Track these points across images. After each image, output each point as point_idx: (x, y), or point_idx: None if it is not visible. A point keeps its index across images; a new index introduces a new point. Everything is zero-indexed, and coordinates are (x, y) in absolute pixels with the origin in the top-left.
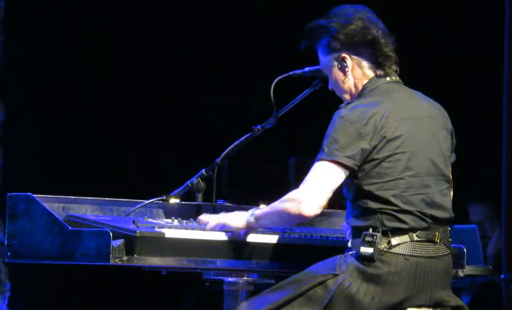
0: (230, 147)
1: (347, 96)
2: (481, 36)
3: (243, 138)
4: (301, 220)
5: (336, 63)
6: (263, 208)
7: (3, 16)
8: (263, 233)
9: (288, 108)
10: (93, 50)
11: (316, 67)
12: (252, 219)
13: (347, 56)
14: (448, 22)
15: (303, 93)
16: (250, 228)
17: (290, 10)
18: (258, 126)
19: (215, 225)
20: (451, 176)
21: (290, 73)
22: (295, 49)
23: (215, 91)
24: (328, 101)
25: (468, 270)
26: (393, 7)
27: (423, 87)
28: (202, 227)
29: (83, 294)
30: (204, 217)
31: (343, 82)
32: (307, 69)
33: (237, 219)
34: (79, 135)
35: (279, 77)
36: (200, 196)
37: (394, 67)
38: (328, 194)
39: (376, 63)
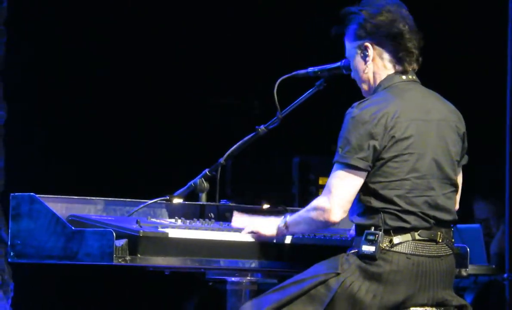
0: (233, 147)
1: (365, 86)
2: (484, 34)
3: (246, 138)
4: (329, 227)
5: (359, 51)
6: (293, 216)
7: (6, 16)
8: None
9: (292, 108)
10: (94, 50)
11: (319, 67)
12: (283, 227)
13: (370, 45)
14: (451, 21)
15: (307, 93)
16: (282, 235)
17: (291, 10)
18: (262, 126)
19: (249, 232)
20: (457, 180)
21: (294, 73)
22: (298, 49)
23: (219, 91)
24: (331, 101)
25: (471, 269)
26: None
27: (427, 87)
28: (205, 226)
29: (86, 294)
30: (237, 222)
31: (363, 71)
32: (310, 69)
33: (269, 227)
34: (82, 135)
35: (283, 77)
36: (203, 196)
37: (414, 64)
38: (349, 197)
39: (397, 58)
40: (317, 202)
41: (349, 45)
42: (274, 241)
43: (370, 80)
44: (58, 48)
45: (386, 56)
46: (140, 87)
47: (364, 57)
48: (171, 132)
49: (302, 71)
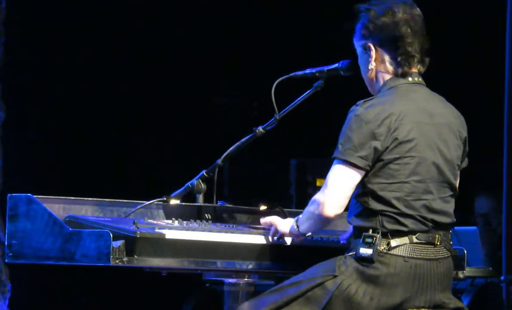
0: (231, 148)
1: (369, 85)
2: (483, 33)
3: (244, 139)
4: (326, 221)
5: (364, 51)
6: (302, 214)
7: (4, 16)
8: (263, 234)
9: (289, 110)
10: (94, 50)
11: (317, 68)
12: (295, 226)
13: (372, 46)
14: (451, 20)
15: (304, 94)
16: (295, 235)
17: (291, 11)
18: (259, 127)
19: (267, 222)
20: (456, 185)
21: (291, 74)
22: (297, 50)
23: (217, 92)
24: (329, 102)
25: (468, 271)
26: None
27: (428, 87)
28: (203, 228)
29: (84, 295)
30: (264, 220)
31: (367, 71)
32: (308, 70)
33: (285, 224)
34: (79, 135)
35: (280, 79)
36: (200, 197)
37: (417, 67)
38: (347, 193)
39: (396, 61)
40: (315, 196)
41: (356, 43)
42: (287, 240)
43: (373, 80)
44: (57, 48)
45: (387, 58)
46: (138, 88)
47: (368, 57)
48: (168, 133)
49: (300, 72)
